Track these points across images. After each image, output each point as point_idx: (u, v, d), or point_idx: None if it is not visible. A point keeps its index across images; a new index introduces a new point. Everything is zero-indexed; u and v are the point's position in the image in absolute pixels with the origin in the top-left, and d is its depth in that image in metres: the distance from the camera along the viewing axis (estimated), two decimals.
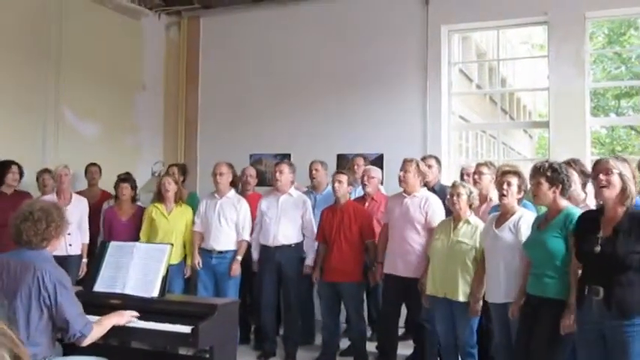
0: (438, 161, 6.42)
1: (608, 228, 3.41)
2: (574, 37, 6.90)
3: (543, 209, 4.19)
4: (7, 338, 0.86)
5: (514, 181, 4.39)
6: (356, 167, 6.73)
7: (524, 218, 4.28)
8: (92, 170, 7.08)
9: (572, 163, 4.89)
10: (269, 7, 8.36)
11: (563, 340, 3.70)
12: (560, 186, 3.94)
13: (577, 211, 3.94)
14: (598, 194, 3.54)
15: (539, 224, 4.03)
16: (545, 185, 3.95)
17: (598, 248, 3.38)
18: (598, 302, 3.35)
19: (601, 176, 3.45)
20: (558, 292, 3.77)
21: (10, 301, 3.09)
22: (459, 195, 4.80)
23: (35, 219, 3.23)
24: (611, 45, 14.80)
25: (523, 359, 3.93)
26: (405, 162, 5.50)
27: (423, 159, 5.98)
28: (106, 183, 6.98)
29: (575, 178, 4.79)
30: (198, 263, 6.02)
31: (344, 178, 5.72)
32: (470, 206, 4.85)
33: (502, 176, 4.50)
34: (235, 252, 6.02)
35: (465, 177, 5.99)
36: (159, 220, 6.05)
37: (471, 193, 4.83)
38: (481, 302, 4.59)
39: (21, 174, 6.26)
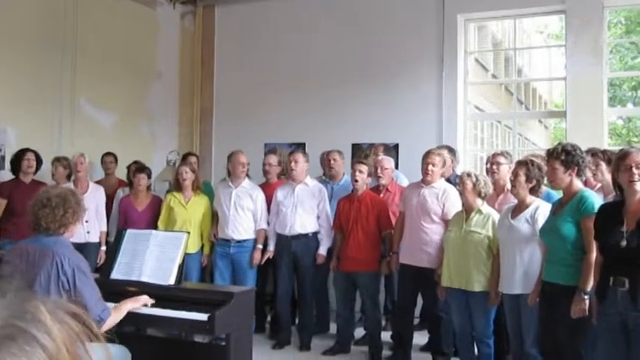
0: (452, 152, 6.34)
1: (632, 221, 3.34)
2: (592, 26, 6.81)
3: None
4: (86, 328, 0.81)
5: (521, 171, 4.34)
6: (374, 156, 6.67)
7: (542, 209, 4.24)
8: (107, 160, 7.11)
9: (599, 153, 4.84)
10: None
11: (584, 326, 3.68)
12: (576, 168, 3.88)
13: (591, 194, 3.89)
14: (626, 186, 3.42)
15: (555, 210, 4.00)
16: (560, 169, 3.89)
17: (624, 243, 3.30)
18: (623, 293, 3.30)
19: (634, 169, 3.36)
20: (573, 279, 3.75)
21: (29, 287, 3.11)
22: (464, 184, 4.77)
23: (53, 205, 3.24)
24: (629, 35, 14.63)
25: (551, 348, 3.92)
26: (433, 154, 5.40)
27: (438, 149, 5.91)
28: (123, 172, 7.04)
29: (604, 168, 4.74)
30: (215, 235, 6.11)
31: (365, 168, 5.68)
32: (479, 194, 4.75)
33: (514, 167, 4.50)
34: (255, 241, 6.05)
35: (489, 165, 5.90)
36: (178, 209, 6.06)
37: (477, 181, 4.73)
38: (500, 293, 4.53)
39: (38, 162, 6.16)
